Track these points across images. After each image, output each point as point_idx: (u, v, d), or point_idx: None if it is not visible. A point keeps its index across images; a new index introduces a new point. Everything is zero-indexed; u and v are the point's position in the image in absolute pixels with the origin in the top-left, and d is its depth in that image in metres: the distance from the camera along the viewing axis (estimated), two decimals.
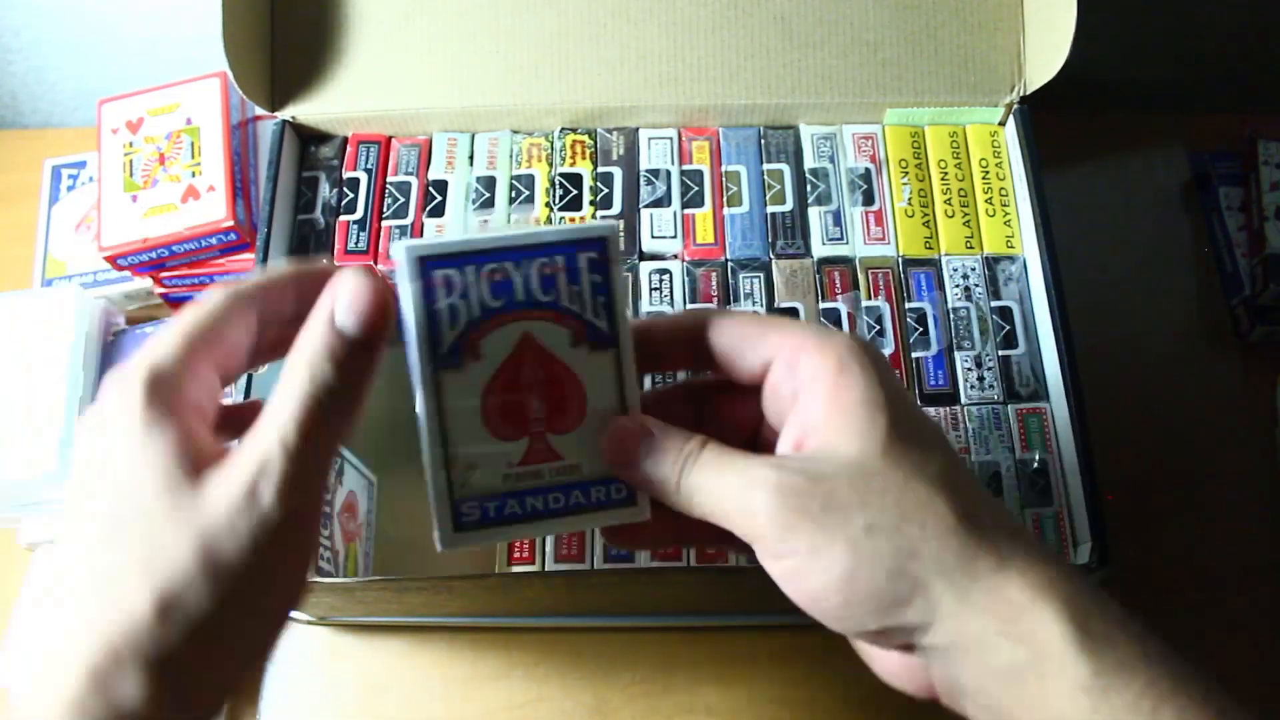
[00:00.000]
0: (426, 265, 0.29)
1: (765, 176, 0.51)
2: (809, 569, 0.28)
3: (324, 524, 0.45)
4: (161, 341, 0.28)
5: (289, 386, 0.27)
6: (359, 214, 0.51)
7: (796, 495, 0.28)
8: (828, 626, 0.29)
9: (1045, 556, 0.28)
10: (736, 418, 0.33)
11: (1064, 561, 0.29)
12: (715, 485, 0.30)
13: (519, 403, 0.30)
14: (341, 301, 0.27)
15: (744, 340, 0.31)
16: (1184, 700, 0.26)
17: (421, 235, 0.50)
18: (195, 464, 0.26)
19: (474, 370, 0.30)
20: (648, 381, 0.44)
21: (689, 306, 0.46)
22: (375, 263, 0.50)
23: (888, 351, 0.47)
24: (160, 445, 0.26)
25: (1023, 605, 0.27)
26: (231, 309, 0.28)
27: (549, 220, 0.50)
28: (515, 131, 0.53)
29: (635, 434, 0.31)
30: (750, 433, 0.33)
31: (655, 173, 0.51)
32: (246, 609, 0.26)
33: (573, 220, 0.50)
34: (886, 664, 0.32)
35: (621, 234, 0.30)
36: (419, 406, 0.30)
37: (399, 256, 0.29)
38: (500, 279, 0.30)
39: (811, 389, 0.30)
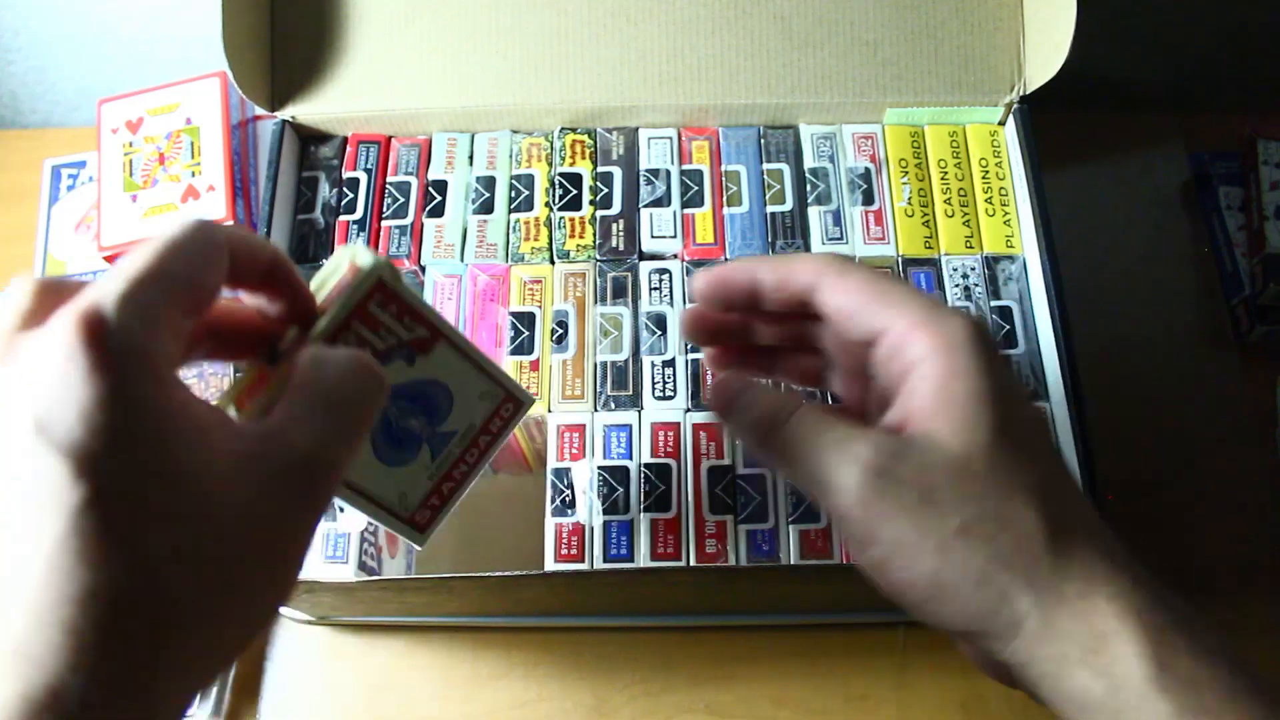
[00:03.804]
0: None
1: (765, 176, 0.51)
2: (895, 562, 0.27)
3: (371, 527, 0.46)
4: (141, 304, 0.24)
5: None
6: (359, 214, 0.51)
7: (894, 483, 0.27)
8: (912, 616, 0.29)
9: (1135, 581, 0.27)
10: (801, 371, 0.34)
11: (1156, 585, 0.27)
12: (810, 447, 0.28)
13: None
14: None
15: (861, 307, 0.30)
16: None
17: (421, 236, 0.50)
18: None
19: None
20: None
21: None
22: None
23: None
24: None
25: (1105, 635, 0.26)
26: (212, 256, 0.26)
27: (549, 219, 0.50)
28: (515, 131, 0.53)
29: (735, 387, 0.32)
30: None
31: (655, 172, 0.51)
32: None
33: (571, 220, 0.50)
34: (974, 655, 0.31)
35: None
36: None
37: None
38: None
39: (921, 373, 0.28)
